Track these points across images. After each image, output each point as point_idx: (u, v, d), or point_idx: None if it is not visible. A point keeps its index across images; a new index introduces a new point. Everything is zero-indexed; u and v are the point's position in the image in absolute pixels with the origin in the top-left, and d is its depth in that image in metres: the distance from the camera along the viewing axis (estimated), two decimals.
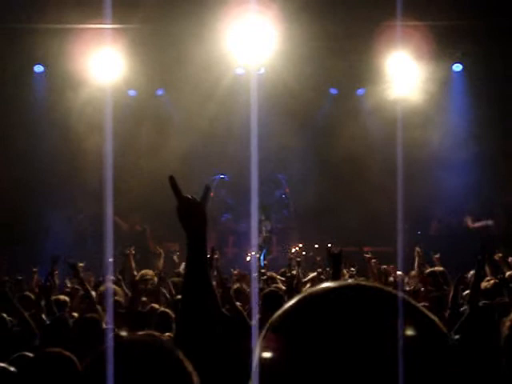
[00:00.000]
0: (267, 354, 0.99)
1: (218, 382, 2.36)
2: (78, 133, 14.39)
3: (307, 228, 15.08)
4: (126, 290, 8.19)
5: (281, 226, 15.46)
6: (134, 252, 9.88)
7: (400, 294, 1.02)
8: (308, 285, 8.44)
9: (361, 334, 0.96)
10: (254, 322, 3.50)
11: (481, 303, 6.01)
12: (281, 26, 13.68)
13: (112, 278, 8.12)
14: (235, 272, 9.76)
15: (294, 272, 8.67)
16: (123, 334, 4.13)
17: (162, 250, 10.29)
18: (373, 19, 13.18)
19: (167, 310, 6.48)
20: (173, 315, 6.09)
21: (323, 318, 0.98)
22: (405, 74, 15.02)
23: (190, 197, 2.66)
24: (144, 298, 7.66)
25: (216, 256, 7.53)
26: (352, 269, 9.24)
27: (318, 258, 10.83)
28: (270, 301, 5.88)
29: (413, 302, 1.03)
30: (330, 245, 6.99)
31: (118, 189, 10.99)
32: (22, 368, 3.46)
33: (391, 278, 9.04)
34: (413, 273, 9.59)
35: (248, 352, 1.26)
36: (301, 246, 13.93)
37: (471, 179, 14.55)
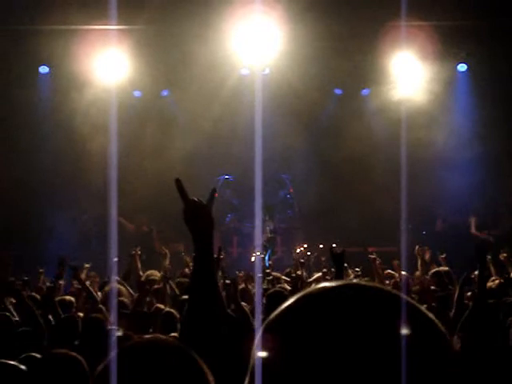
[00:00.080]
0: (263, 354, 0.98)
1: (223, 383, 2.36)
2: (82, 133, 14.39)
3: (312, 228, 15.05)
4: (131, 291, 8.21)
5: (285, 226, 15.43)
6: (139, 252, 9.90)
7: (398, 294, 1.01)
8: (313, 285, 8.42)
9: (358, 333, 0.94)
10: (257, 322, 3.50)
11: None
12: (285, 26, 13.67)
13: (117, 278, 8.13)
14: (240, 274, 9.70)
15: (299, 272, 8.66)
16: (134, 336, 4.12)
17: (167, 251, 10.29)
18: (377, 19, 13.18)
19: (172, 310, 6.49)
20: (178, 316, 6.10)
21: (320, 318, 0.97)
22: (409, 74, 15.00)
23: (196, 199, 2.67)
24: (148, 299, 7.66)
25: (222, 256, 7.53)
26: (357, 269, 9.21)
27: (323, 258, 10.79)
28: (275, 301, 5.88)
29: (411, 301, 1.01)
30: (334, 245, 6.98)
31: (123, 189, 11.01)
32: (29, 369, 3.47)
33: (396, 279, 9.03)
34: (417, 273, 9.59)
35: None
36: (305, 246, 13.91)
37: (476, 179, 14.53)
